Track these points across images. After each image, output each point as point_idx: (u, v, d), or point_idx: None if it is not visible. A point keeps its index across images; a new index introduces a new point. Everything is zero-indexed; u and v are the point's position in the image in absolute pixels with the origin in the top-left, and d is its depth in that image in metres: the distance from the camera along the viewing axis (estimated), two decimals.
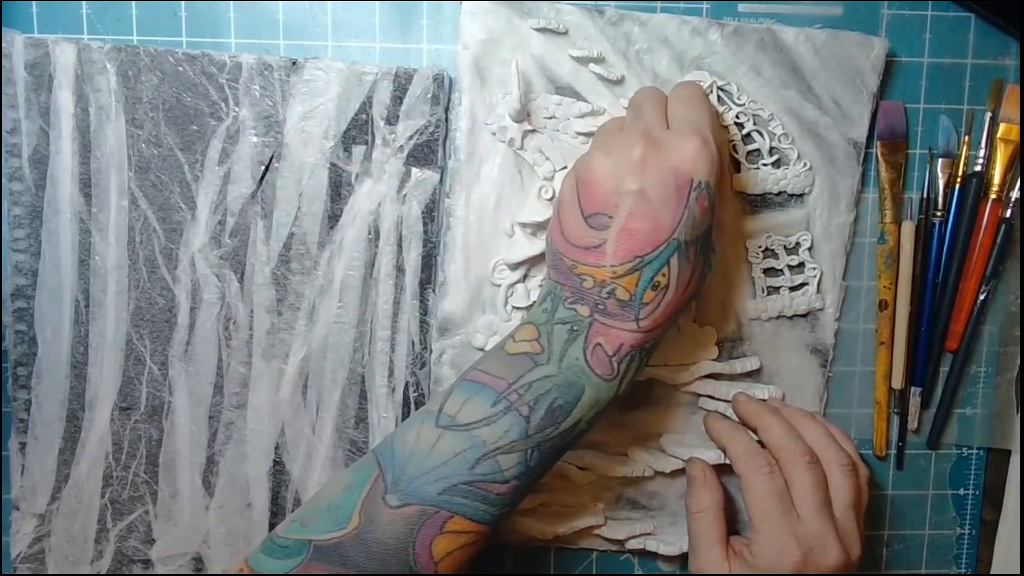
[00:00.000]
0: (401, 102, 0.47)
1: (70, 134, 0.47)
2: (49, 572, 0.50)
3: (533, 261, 0.49)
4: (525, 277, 0.49)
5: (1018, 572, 0.54)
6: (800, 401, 0.52)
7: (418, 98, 0.47)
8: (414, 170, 0.48)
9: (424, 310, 0.50)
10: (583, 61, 0.48)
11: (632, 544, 0.52)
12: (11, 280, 0.48)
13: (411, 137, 0.48)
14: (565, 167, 0.48)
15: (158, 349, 0.49)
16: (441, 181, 0.49)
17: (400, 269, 0.49)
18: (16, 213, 0.47)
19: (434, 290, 0.49)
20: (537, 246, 0.48)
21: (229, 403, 0.49)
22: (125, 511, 0.50)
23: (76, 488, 0.49)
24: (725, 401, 0.51)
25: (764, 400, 0.50)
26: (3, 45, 0.46)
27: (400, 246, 0.49)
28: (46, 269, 0.48)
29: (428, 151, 0.48)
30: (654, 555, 0.53)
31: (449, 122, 0.48)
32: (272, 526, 0.50)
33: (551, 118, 0.48)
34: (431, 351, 0.50)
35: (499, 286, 0.49)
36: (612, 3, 0.49)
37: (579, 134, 0.48)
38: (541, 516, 0.51)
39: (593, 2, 0.49)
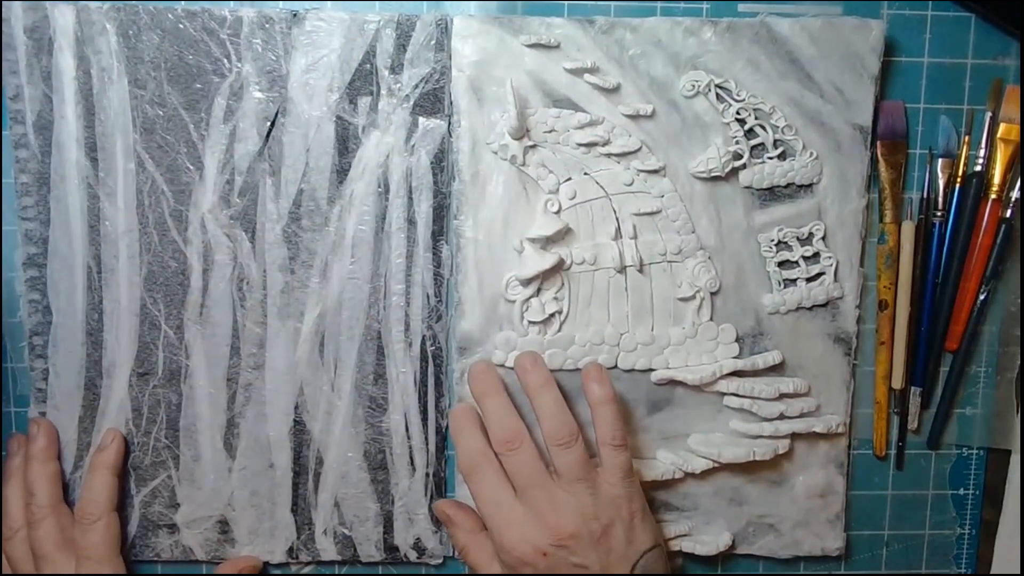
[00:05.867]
0: (405, 50, 0.47)
1: (73, 98, 0.46)
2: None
3: (545, 275, 0.49)
4: (539, 291, 0.49)
5: (1018, 572, 0.54)
6: (827, 392, 0.52)
7: (422, 45, 0.47)
8: (421, 119, 0.48)
9: (437, 262, 0.49)
10: (578, 72, 0.48)
11: (669, 546, 0.52)
12: (22, 249, 0.47)
13: (417, 86, 0.47)
14: (569, 179, 0.49)
15: (173, 313, 0.48)
16: (449, 132, 0.48)
17: (411, 222, 0.48)
18: (24, 180, 0.47)
19: (446, 242, 0.49)
20: (548, 260, 0.48)
21: (246, 364, 0.49)
22: (148, 477, 0.50)
23: None
24: (749, 398, 0.50)
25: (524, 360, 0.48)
26: (2, 9, 0.45)
27: (410, 198, 0.48)
28: (56, 236, 0.47)
29: (434, 99, 0.47)
30: (692, 556, 0.53)
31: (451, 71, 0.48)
32: (295, 486, 0.50)
33: (551, 131, 0.48)
34: (450, 361, 0.50)
35: (514, 302, 0.49)
36: (612, 4, 0.49)
37: (580, 145, 0.48)
38: None
39: (594, 2, 0.48)
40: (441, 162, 0.48)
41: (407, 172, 0.48)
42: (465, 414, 0.48)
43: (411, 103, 0.47)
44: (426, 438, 0.50)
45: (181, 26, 0.46)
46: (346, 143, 0.48)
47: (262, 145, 0.47)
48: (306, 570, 0.53)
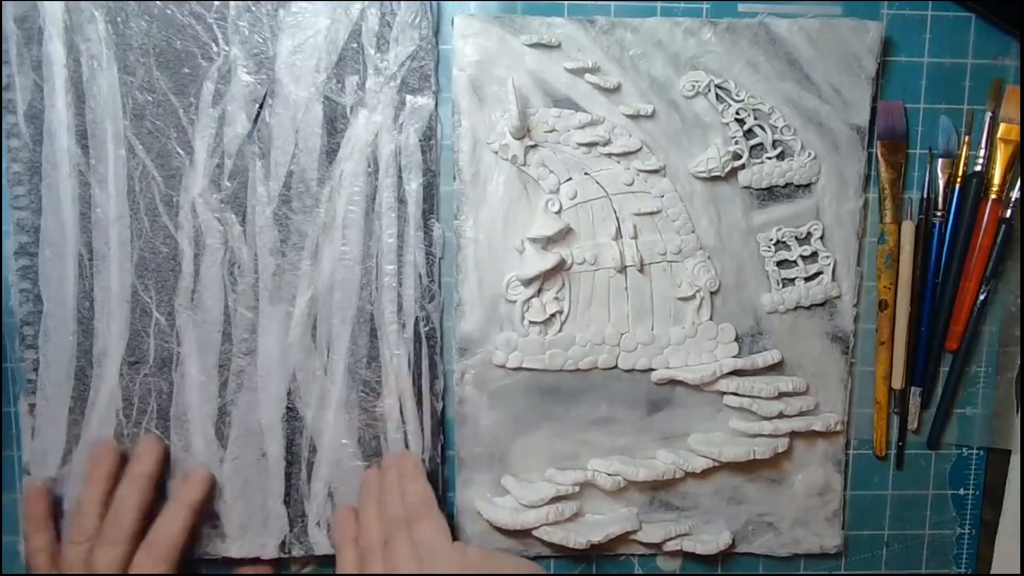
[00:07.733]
0: (391, 28, 0.47)
1: (63, 86, 0.47)
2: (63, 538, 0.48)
3: (546, 275, 0.49)
4: (539, 291, 0.49)
5: (1018, 572, 0.53)
6: (825, 391, 0.52)
7: (408, 24, 0.47)
8: (408, 97, 0.48)
9: (429, 241, 0.48)
10: (578, 72, 0.48)
11: (669, 546, 0.51)
12: (14, 238, 0.47)
13: (403, 64, 0.47)
14: (570, 178, 0.49)
15: (164, 299, 0.48)
16: (436, 107, 0.48)
17: (402, 201, 0.48)
18: (15, 170, 0.47)
19: (437, 219, 0.48)
20: (548, 260, 0.48)
21: (238, 350, 0.48)
22: None
23: (87, 448, 0.48)
24: (749, 397, 0.50)
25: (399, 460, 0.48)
26: None
27: (400, 177, 0.48)
28: (48, 225, 0.47)
29: (421, 77, 0.48)
30: (692, 556, 0.52)
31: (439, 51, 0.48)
32: (288, 476, 0.49)
33: (551, 131, 0.48)
34: (450, 362, 0.50)
35: (514, 302, 0.49)
36: (612, 4, 0.49)
37: (580, 144, 0.48)
38: (574, 526, 0.50)
39: (594, 2, 0.49)
40: (430, 140, 0.48)
41: (396, 150, 0.48)
42: (343, 521, 0.48)
43: (398, 81, 0.47)
44: (421, 423, 0.49)
45: (168, 11, 0.46)
46: (334, 123, 0.48)
47: (251, 128, 0.47)
48: (307, 570, 0.51)
